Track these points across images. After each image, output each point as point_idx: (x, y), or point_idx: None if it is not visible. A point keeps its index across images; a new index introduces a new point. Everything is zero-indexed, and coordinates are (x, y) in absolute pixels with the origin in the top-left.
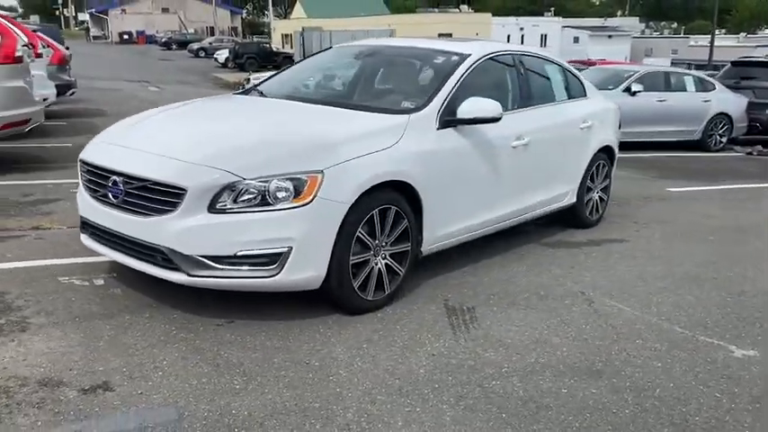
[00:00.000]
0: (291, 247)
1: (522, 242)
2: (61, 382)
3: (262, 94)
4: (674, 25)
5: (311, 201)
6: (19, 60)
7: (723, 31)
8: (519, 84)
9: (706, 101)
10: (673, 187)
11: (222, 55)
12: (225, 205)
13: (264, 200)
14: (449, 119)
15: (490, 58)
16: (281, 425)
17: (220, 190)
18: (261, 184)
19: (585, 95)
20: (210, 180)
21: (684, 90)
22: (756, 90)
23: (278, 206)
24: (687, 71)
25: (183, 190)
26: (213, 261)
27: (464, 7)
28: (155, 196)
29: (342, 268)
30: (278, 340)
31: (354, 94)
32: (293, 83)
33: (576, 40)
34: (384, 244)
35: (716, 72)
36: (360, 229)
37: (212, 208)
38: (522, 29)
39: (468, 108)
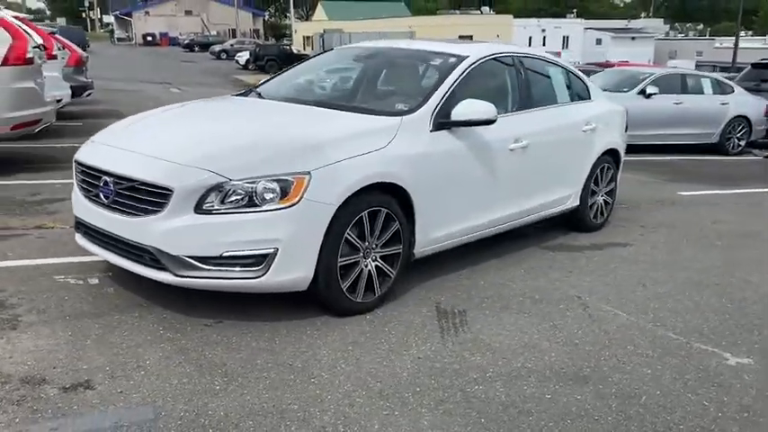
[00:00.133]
0: (278, 249)
1: (523, 245)
2: (44, 379)
3: (260, 95)
4: (700, 27)
5: (298, 202)
6: (30, 62)
7: (749, 33)
8: (519, 86)
9: (724, 103)
10: (685, 191)
11: (243, 57)
12: (212, 206)
13: (252, 201)
14: (443, 121)
15: (489, 60)
16: (256, 426)
17: (207, 191)
18: (248, 185)
19: (589, 98)
20: (197, 181)
21: (702, 92)
22: None
23: (264, 207)
24: (705, 73)
25: (169, 190)
26: (199, 261)
27: (485, 9)
28: (143, 197)
29: (329, 270)
30: (263, 341)
31: (350, 95)
32: (292, 85)
33: (599, 41)
34: (374, 246)
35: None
36: (348, 231)
37: (199, 209)
38: (543, 30)
39: (463, 110)
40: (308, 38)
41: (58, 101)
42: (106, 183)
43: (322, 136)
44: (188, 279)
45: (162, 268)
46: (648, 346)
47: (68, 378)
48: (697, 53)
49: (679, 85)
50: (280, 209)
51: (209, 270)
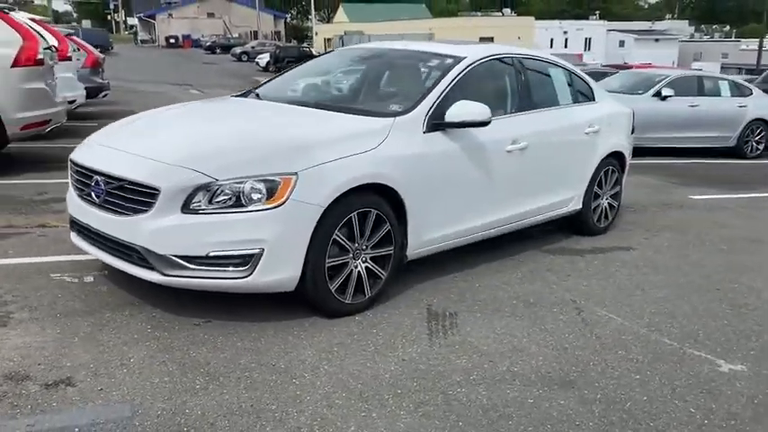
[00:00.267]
0: (263, 249)
1: (523, 248)
2: (27, 376)
3: (258, 96)
4: (726, 28)
5: (284, 202)
6: (40, 63)
7: None
8: (518, 87)
9: (742, 106)
10: (696, 195)
11: (263, 59)
12: (199, 206)
13: (239, 201)
14: (437, 122)
15: (487, 62)
16: (231, 425)
17: (193, 191)
18: (235, 185)
19: (593, 99)
20: (183, 181)
21: (719, 95)
22: None
23: (250, 208)
24: (722, 75)
25: (156, 190)
26: (186, 261)
27: (506, 11)
28: (131, 196)
29: (317, 271)
30: (249, 341)
31: (346, 96)
32: (290, 86)
33: (622, 43)
34: (364, 247)
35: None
36: (337, 232)
37: (186, 208)
38: (565, 32)
39: (457, 111)
40: (328, 40)
41: (72, 102)
42: (98, 182)
43: (311, 137)
44: (175, 278)
45: (150, 267)
46: (640, 351)
47: (51, 375)
48: (722, 55)
49: (695, 87)
50: (266, 209)
51: (195, 270)
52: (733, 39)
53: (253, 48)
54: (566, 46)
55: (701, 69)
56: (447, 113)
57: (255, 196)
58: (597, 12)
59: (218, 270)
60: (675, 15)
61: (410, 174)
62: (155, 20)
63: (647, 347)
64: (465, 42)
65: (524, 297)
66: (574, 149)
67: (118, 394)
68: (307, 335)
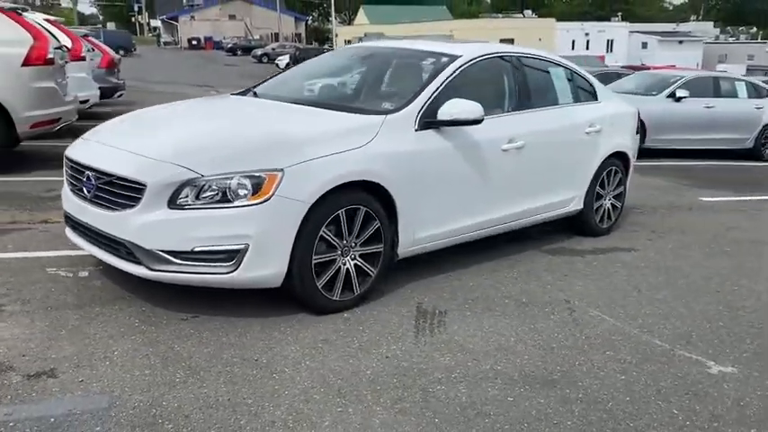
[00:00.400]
0: (248, 245)
1: (522, 248)
2: (11, 367)
3: (255, 94)
4: (753, 30)
5: (269, 198)
6: (50, 62)
7: None
8: (515, 86)
9: (759, 107)
10: (707, 197)
11: (283, 60)
12: (186, 201)
13: (225, 197)
14: (429, 120)
15: (483, 60)
16: (206, 418)
17: (179, 186)
18: (221, 181)
19: (596, 99)
20: (169, 176)
21: (735, 96)
22: None
23: (236, 203)
24: (739, 76)
25: (143, 185)
26: (172, 256)
27: (528, 12)
28: (119, 191)
29: (303, 267)
30: (235, 337)
31: (340, 94)
32: (288, 84)
33: (645, 45)
34: (353, 244)
35: None
36: (324, 229)
37: (173, 203)
38: (587, 34)
39: (449, 109)
40: (348, 41)
41: (85, 101)
42: (89, 177)
43: (300, 134)
44: (161, 273)
45: (137, 262)
46: (629, 351)
47: (35, 366)
48: (748, 57)
49: (711, 88)
50: (251, 205)
51: (181, 264)
52: (759, 40)
53: (273, 49)
54: (587, 48)
55: (725, 71)
56: (439, 111)
57: (242, 192)
58: (619, 13)
59: (203, 265)
60: (700, 17)
61: (401, 171)
62: (177, 22)
63: (636, 348)
64: (474, 41)
65: (517, 296)
66: (574, 149)
67: (98, 386)
68: (293, 331)
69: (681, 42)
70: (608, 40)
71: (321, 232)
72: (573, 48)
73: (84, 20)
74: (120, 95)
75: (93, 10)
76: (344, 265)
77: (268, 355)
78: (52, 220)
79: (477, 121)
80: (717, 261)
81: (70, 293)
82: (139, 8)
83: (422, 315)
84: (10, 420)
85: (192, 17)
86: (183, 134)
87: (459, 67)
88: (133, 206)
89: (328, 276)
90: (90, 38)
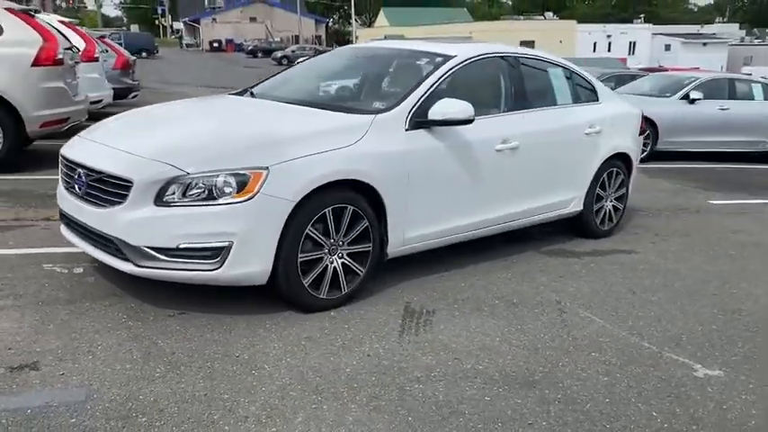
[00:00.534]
0: (233, 242)
1: (519, 249)
2: None
3: (252, 94)
4: None
5: (253, 196)
6: (59, 63)
7: None
8: (511, 86)
9: None
10: (716, 200)
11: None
12: (173, 198)
13: (211, 195)
14: (420, 120)
15: (477, 61)
16: (180, 412)
17: (165, 183)
18: (208, 178)
19: (597, 100)
20: (155, 174)
21: (751, 98)
22: None
23: (220, 201)
24: (755, 78)
25: (129, 182)
26: (157, 252)
27: (549, 14)
28: (108, 188)
29: (289, 265)
30: (219, 333)
31: (335, 94)
32: (285, 84)
33: (668, 47)
34: (341, 243)
35: None
36: (310, 227)
37: (159, 201)
38: (609, 36)
39: (439, 109)
40: None
41: (98, 102)
42: (80, 175)
43: (287, 133)
44: (148, 269)
45: (125, 258)
46: (615, 353)
47: (19, 359)
48: None
49: (726, 90)
50: (235, 203)
51: (166, 261)
52: None
53: (293, 51)
54: (609, 50)
55: (750, 74)
56: (430, 111)
57: (227, 190)
58: (642, 15)
59: (188, 262)
60: (726, 19)
61: (390, 171)
62: (199, 24)
63: (623, 350)
64: (484, 42)
65: (508, 297)
66: (572, 150)
67: (78, 379)
68: (278, 328)
69: (705, 44)
70: (630, 43)
71: (307, 230)
72: (594, 50)
73: (108, 22)
74: (135, 96)
75: (118, 12)
76: (332, 263)
77: (250, 352)
78: (54, 217)
79: (467, 121)
80: (718, 264)
81: (63, 289)
82: (163, 11)
83: (409, 314)
84: None
85: (214, 19)
86: (175, 133)
87: (453, 67)
88: (121, 203)
89: (315, 275)
90: (105, 39)
